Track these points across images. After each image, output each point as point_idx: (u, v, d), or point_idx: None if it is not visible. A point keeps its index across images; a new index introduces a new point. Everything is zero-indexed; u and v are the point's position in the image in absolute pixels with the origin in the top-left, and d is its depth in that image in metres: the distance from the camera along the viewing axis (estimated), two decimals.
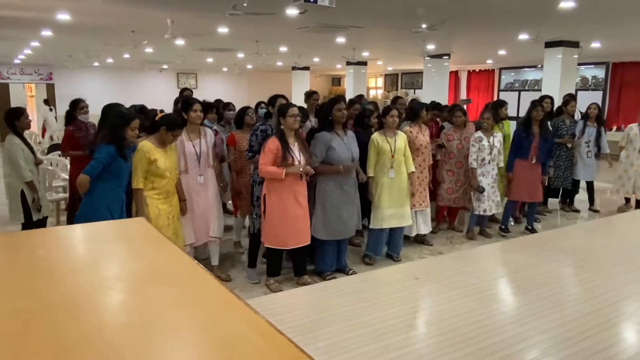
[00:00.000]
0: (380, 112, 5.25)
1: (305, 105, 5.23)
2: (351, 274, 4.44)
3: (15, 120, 4.62)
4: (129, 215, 3.77)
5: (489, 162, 5.48)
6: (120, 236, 1.71)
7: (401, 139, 4.77)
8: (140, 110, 5.15)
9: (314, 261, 4.55)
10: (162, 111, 5.15)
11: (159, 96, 16.60)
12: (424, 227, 5.35)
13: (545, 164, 5.85)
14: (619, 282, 3.55)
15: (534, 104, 5.77)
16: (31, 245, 1.55)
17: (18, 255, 1.45)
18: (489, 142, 5.43)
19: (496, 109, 5.81)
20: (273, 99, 4.62)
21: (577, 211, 7.08)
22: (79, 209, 3.67)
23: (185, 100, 4.34)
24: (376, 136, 4.71)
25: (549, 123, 6.38)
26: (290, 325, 2.83)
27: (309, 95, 5.50)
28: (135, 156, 3.72)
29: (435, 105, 6.23)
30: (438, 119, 6.22)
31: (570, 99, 6.79)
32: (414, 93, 17.98)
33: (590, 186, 7.04)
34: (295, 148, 4.04)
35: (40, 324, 1.03)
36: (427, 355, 2.52)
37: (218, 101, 6.07)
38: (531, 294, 3.33)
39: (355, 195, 4.48)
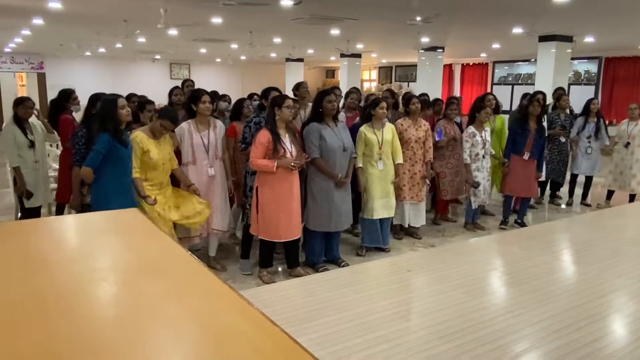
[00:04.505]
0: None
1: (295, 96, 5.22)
2: (343, 266, 4.46)
3: (15, 107, 4.76)
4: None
5: (483, 157, 5.51)
6: (113, 227, 1.70)
7: (389, 131, 4.80)
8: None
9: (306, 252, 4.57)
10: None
11: (152, 87, 16.44)
12: (416, 220, 5.37)
13: (539, 161, 5.84)
14: (609, 275, 3.59)
15: (530, 100, 5.77)
16: (23, 236, 1.54)
17: (10, 246, 1.45)
18: (481, 136, 5.47)
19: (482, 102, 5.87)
20: (266, 92, 4.59)
21: (559, 205, 7.13)
22: (91, 200, 3.79)
23: (193, 92, 4.31)
24: (364, 128, 4.73)
25: (544, 118, 6.39)
26: (283, 316, 2.84)
27: (298, 86, 5.48)
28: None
29: (423, 100, 6.14)
30: (429, 113, 6.19)
31: (562, 93, 6.84)
32: (408, 86, 17.98)
33: (588, 181, 7.08)
34: (286, 139, 4.03)
35: (31, 314, 1.03)
36: (419, 347, 2.54)
37: (214, 92, 6.02)
38: (522, 287, 3.36)
39: (347, 191, 4.48)
